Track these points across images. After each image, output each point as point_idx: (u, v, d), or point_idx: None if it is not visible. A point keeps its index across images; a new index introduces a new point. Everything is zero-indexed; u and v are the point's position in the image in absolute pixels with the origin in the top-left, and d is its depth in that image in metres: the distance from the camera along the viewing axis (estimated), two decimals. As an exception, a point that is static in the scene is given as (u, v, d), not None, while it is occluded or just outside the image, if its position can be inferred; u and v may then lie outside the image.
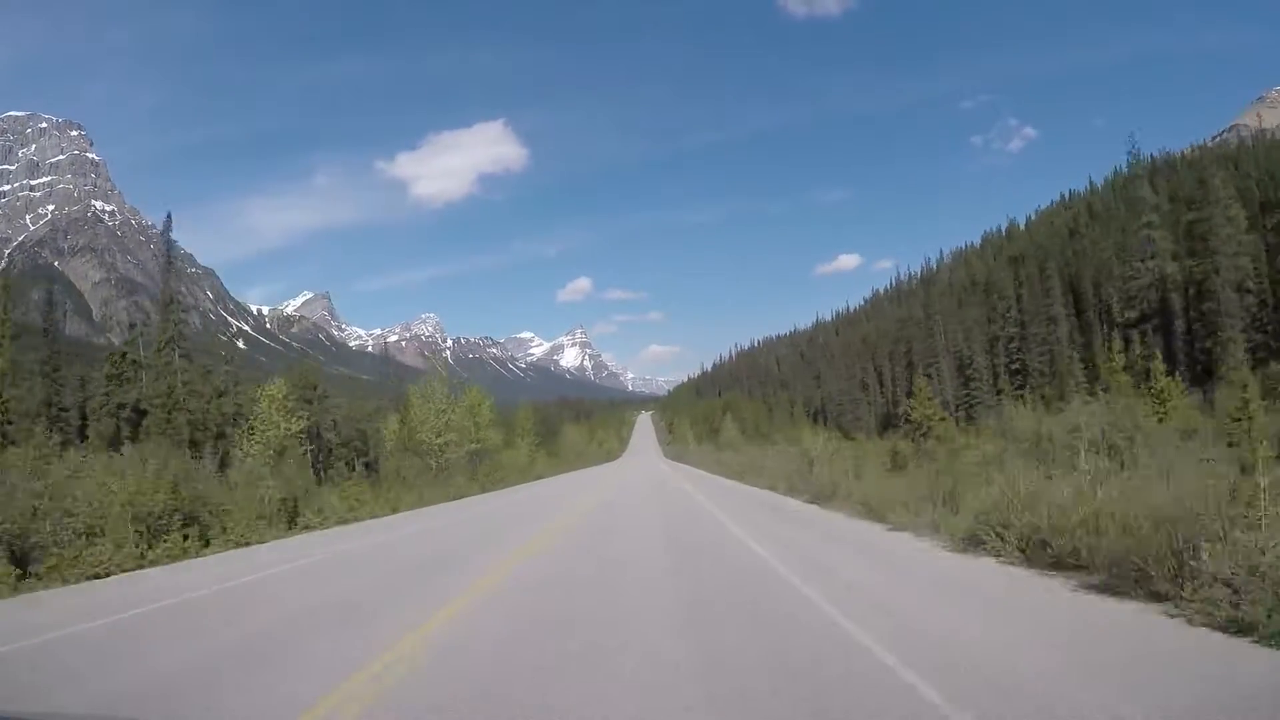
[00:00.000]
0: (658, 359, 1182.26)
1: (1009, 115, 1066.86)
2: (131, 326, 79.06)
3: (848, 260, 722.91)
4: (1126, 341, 50.95)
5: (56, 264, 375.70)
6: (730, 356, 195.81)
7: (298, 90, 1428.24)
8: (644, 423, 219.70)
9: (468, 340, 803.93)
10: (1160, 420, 24.24)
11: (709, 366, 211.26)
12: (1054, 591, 6.77)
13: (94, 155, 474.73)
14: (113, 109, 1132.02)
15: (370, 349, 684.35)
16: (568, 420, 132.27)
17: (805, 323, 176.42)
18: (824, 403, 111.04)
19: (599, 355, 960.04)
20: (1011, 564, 8.16)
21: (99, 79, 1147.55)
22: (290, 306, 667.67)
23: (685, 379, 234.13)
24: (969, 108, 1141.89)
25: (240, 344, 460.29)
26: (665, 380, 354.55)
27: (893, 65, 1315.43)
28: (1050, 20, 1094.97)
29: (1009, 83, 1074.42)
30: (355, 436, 57.55)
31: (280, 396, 34.47)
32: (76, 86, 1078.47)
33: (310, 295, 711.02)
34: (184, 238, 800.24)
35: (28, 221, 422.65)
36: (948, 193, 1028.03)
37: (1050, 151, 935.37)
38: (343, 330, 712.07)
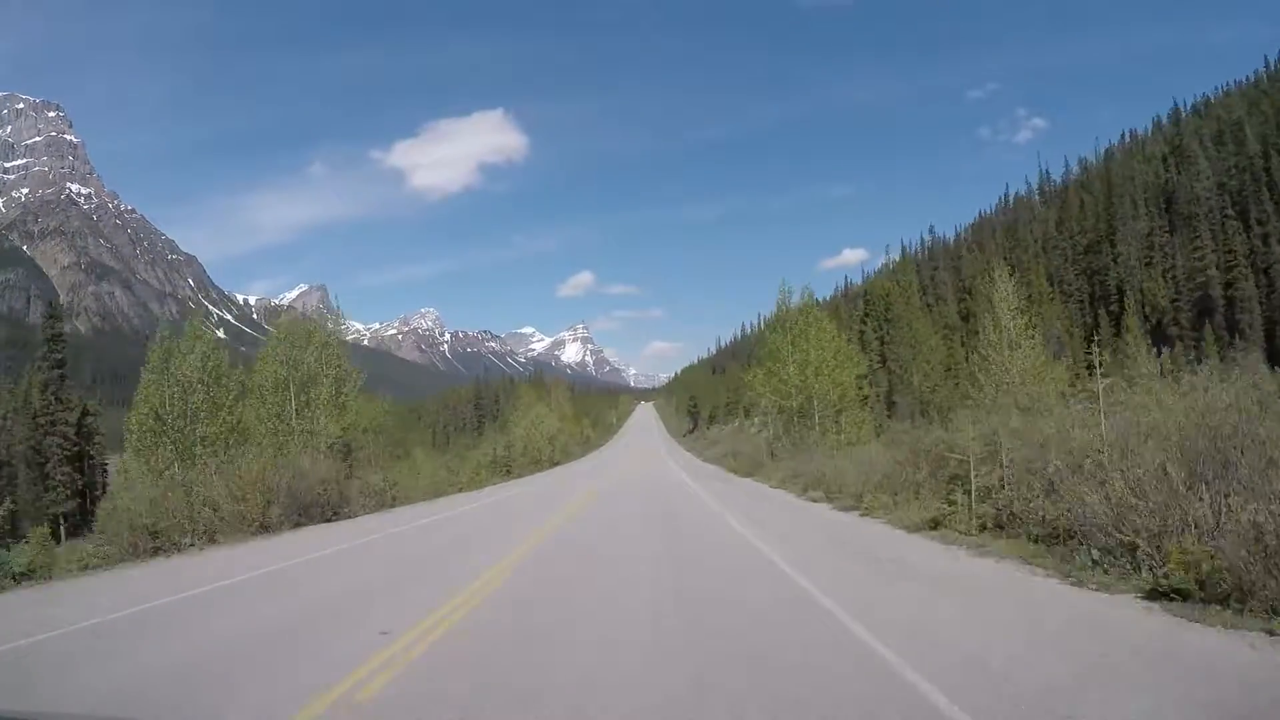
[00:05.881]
0: (661, 355, 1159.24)
1: (1017, 105, 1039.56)
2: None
3: (852, 255, 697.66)
4: None
5: (24, 248, 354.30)
6: (751, 328, 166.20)
7: (295, 82, 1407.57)
8: (645, 412, 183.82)
9: (466, 334, 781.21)
10: None
11: (726, 341, 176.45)
12: None
13: (72, 136, 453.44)
14: (109, 103, 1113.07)
15: (366, 343, 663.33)
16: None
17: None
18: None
19: (600, 351, 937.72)
20: None
21: (94, 73, 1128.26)
22: (286, 300, 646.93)
23: (695, 361, 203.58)
24: (977, 97, 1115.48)
25: (221, 333, 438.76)
26: (668, 376, 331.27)
27: (900, 55, 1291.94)
28: (1060, 8, 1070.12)
29: (1017, 72, 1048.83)
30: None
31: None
32: (71, 79, 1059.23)
33: (305, 288, 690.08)
34: (174, 230, 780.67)
35: (0, 205, 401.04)
36: (954, 185, 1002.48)
37: (1058, 143, 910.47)
38: (340, 324, 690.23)
